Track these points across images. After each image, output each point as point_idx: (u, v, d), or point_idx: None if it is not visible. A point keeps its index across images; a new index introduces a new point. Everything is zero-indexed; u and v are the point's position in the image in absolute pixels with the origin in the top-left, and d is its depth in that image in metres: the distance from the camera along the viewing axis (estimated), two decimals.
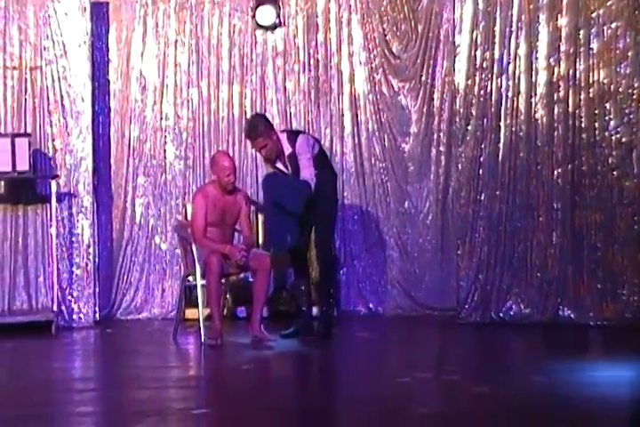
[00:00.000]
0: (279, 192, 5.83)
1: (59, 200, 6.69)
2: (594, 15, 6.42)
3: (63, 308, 6.69)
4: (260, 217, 6.62)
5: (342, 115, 7.15)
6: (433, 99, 7.04)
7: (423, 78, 7.06)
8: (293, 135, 6.03)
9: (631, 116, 6.36)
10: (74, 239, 6.78)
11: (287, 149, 5.99)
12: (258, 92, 7.20)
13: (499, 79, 6.55)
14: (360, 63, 7.14)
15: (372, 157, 7.12)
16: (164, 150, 7.18)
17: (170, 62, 7.19)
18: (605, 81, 6.40)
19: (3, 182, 6.74)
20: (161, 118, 7.17)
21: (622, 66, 6.38)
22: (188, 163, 7.19)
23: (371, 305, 7.01)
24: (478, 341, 6.14)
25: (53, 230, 6.66)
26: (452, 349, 5.95)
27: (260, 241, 6.47)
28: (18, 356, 5.91)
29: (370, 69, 7.12)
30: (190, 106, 7.19)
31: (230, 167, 5.99)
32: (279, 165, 6.07)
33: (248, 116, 7.10)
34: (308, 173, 5.91)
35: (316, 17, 7.18)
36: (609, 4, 6.40)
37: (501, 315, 6.45)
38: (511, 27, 6.54)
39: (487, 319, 6.44)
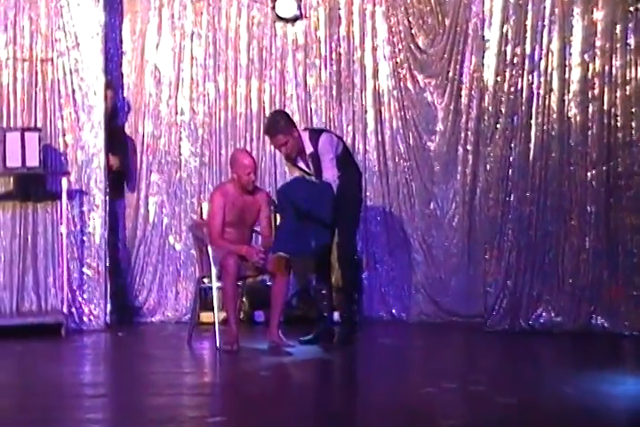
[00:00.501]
0: (300, 198, 5.83)
1: (69, 198, 6.73)
2: (631, 9, 6.40)
3: (73, 310, 6.72)
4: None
5: (365, 111, 7.17)
6: (460, 96, 7.05)
7: (450, 74, 7.06)
8: (315, 134, 6.04)
9: None
10: (85, 238, 6.81)
11: (308, 149, 6.00)
12: (277, 88, 7.22)
13: (530, 76, 6.54)
14: (384, 58, 7.16)
15: (396, 155, 7.14)
16: (179, 147, 7.22)
17: (186, 55, 7.23)
18: None
19: (12, 179, 6.78)
20: (176, 113, 7.21)
21: None
22: (203, 160, 7.23)
23: (394, 311, 7.03)
24: (506, 350, 6.13)
25: (64, 229, 6.70)
26: (479, 358, 5.95)
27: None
28: (26, 359, 5.94)
29: (394, 64, 7.14)
30: (207, 101, 7.23)
31: (251, 165, 6.01)
32: (301, 164, 6.09)
33: (266, 111, 7.16)
34: (330, 174, 5.93)
35: (339, 9, 7.20)
36: None
37: (531, 323, 6.45)
38: (543, 20, 6.53)
39: (516, 327, 6.43)
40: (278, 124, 5.97)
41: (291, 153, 6.07)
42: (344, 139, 6.97)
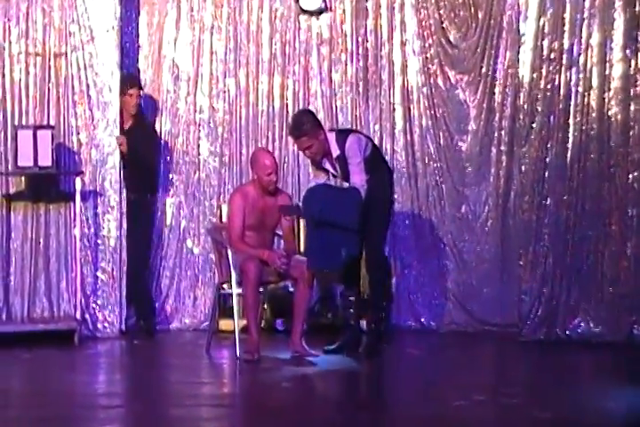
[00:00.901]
0: (326, 207, 5.81)
1: (83, 199, 6.74)
2: None
3: (87, 316, 6.72)
4: (302, 227, 6.65)
5: (393, 109, 7.15)
6: (494, 93, 7.01)
7: (483, 70, 7.03)
8: (342, 135, 6.02)
9: None
10: (99, 241, 6.82)
11: (335, 151, 5.98)
12: (301, 84, 7.21)
13: (568, 72, 6.51)
14: (413, 53, 7.13)
15: (425, 156, 7.11)
16: (198, 146, 7.21)
17: (205, 50, 7.22)
18: None
19: (24, 178, 6.80)
20: (195, 111, 7.21)
21: None
22: (223, 160, 7.22)
23: (423, 319, 7.00)
24: (541, 361, 6.09)
25: (77, 231, 6.70)
26: (512, 369, 5.92)
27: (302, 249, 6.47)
28: (37, 367, 5.95)
29: (424, 60, 7.11)
30: (227, 98, 7.22)
31: (272, 166, 6.00)
32: (327, 166, 6.07)
33: (290, 109, 7.15)
34: (358, 179, 5.91)
35: (366, 1, 7.18)
36: None
37: (568, 333, 6.41)
38: (583, 13, 6.49)
39: (552, 337, 6.40)
40: (303, 126, 5.95)
41: (315, 156, 6.05)
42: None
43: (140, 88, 6.90)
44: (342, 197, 5.85)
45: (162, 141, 7.13)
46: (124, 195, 6.84)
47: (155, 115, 7.18)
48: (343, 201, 5.83)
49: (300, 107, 7.16)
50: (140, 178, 6.87)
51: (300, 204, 6.03)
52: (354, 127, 7.11)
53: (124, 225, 6.90)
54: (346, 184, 6.01)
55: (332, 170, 6.07)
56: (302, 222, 6.62)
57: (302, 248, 6.55)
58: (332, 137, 6.01)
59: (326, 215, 5.80)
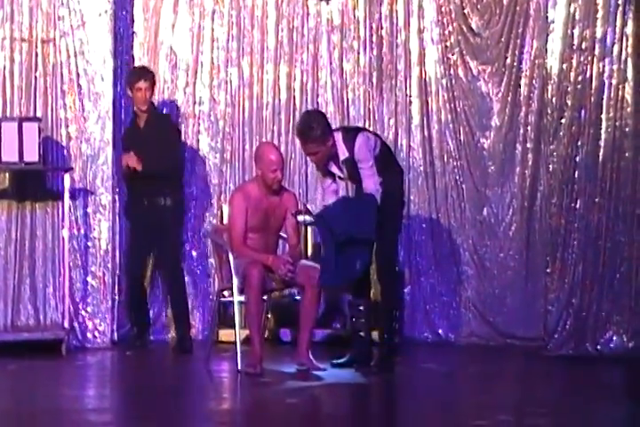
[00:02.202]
0: (345, 221, 5.84)
1: (72, 197, 6.75)
2: None
3: (75, 324, 6.74)
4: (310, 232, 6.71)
5: (410, 102, 7.17)
6: (519, 85, 7.02)
7: (508, 61, 7.04)
8: (350, 135, 6.04)
9: None
10: (89, 244, 6.84)
11: (343, 154, 6.01)
12: (309, 74, 7.24)
13: (601, 63, 6.52)
14: (432, 41, 7.15)
15: (444, 153, 7.12)
16: (198, 141, 7.24)
17: (206, 36, 7.25)
18: None
19: (8, 175, 6.82)
20: (194, 103, 7.24)
21: None
22: (225, 156, 7.25)
23: (440, 331, 7.02)
24: (570, 378, 6.11)
25: (65, 233, 6.72)
26: (538, 387, 5.91)
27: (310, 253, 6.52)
28: (22, 380, 5.96)
29: (444, 49, 7.13)
30: (229, 89, 7.25)
31: (278, 162, 6.03)
32: (333, 169, 6.10)
33: (297, 101, 7.18)
34: (372, 183, 5.96)
35: None
36: None
37: (599, 347, 6.43)
38: None
39: (581, 352, 6.41)
40: (313, 132, 5.96)
41: (319, 163, 6.09)
42: (385, 134, 7.03)
43: (152, 81, 6.81)
44: (358, 209, 5.91)
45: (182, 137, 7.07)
46: (143, 201, 6.74)
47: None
48: (360, 213, 5.89)
49: (309, 99, 7.22)
50: (165, 183, 6.74)
51: (314, 220, 6.05)
52: (366, 121, 7.16)
53: (117, 226, 6.95)
54: (334, 186, 6.06)
55: (338, 172, 6.10)
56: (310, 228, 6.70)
57: (309, 251, 6.60)
58: (338, 137, 6.03)
59: (346, 232, 5.84)
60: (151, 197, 6.74)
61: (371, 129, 6.84)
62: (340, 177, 6.13)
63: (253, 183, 6.17)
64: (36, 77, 6.87)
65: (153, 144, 6.69)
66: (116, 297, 6.93)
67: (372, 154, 6.01)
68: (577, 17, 6.56)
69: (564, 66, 6.58)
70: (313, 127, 5.96)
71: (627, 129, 6.51)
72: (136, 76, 6.77)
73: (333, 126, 6.25)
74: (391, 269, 6.14)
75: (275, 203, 6.12)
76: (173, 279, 6.83)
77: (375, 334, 6.23)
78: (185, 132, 7.18)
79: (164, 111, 7.16)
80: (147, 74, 6.81)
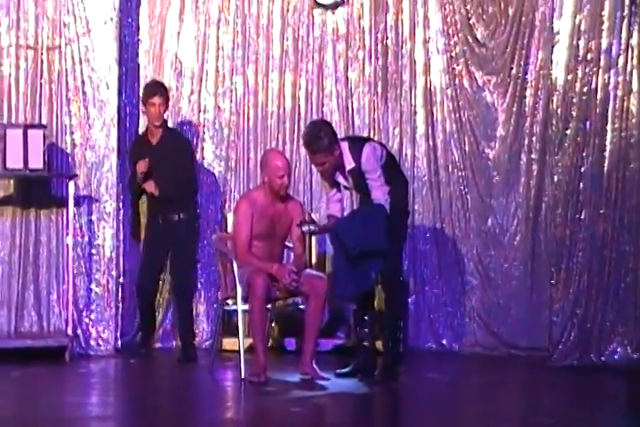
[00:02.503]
0: (353, 236, 5.85)
1: (77, 204, 6.76)
2: None
3: (79, 332, 6.74)
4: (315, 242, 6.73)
5: (415, 112, 7.17)
6: (525, 96, 7.02)
7: (513, 71, 7.05)
8: (357, 145, 6.03)
9: None
10: (94, 251, 6.84)
11: (349, 164, 6.01)
12: (314, 83, 7.24)
13: (606, 74, 6.53)
14: (437, 51, 7.16)
15: (449, 163, 7.12)
16: (202, 149, 7.24)
17: (211, 45, 7.26)
18: None
19: (12, 182, 6.83)
20: (199, 111, 7.24)
21: None
22: (229, 164, 7.25)
23: (444, 341, 7.01)
24: (574, 389, 6.09)
25: (70, 240, 6.72)
26: (543, 397, 5.88)
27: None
28: (25, 387, 5.95)
29: (449, 59, 7.14)
30: (234, 97, 7.25)
31: (284, 168, 6.03)
32: (340, 179, 6.10)
33: (301, 110, 7.19)
34: (380, 193, 5.95)
35: None
36: None
37: (603, 359, 6.42)
38: (622, 10, 6.52)
39: (586, 363, 6.40)
40: (320, 142, 5.95)
41: (325, 173, 6.09)
42: (389, 143, 7.04)
43: (166, 96, 6.77)
44: (369, 222, 5.89)
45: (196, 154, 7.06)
46: (158, 218, 6.72)
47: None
48: (371, 226, 5.87)
49: (313, 108, 7.23)
50: (179, 201, 6.72)
51: (318, 230, 6.06)
52: (371, 131, 7.16)
53: (121, 234, 6.94)
54: (338, 196, 6.07)
55: (343, 182, 6.09)
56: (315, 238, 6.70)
57: (314, 261, 6.58)
58: (345, 147, 6.02)
59: (358, 246, 5.84)
60: (166, 214, 6.72)
61: (375, 139, 6.85)
62: (345, 186, 6.13)
63: (259, 191, 6.16)
64: (41, 84, 6.88)
65: (167, 163, 6.66)
66: (120, 305, 6.92)
67: (379, 164, 6.00)
68: (582, 28, 6.56)
69: (570, 77, 6.59)
70: (320, 137, 5.96)
71: (632, 140, 6.51)
72: (150, 92, 6.74)
73: (339, 136, 6.25)
74: (396, 278, 6.13)
75: (280, 210, 6.11)
76: (182, 291, 6.81)
77: (379, 344, 6.22)
78: (190, 141, 7.13)
79: (168, 118, 7.14)
80: (161, 89, 6.78)
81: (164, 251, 6.79)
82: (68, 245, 6.73)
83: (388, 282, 6.08)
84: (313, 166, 7.01)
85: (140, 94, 6.98)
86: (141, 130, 7.12)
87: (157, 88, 6.77)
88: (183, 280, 6.82)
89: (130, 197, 6.96)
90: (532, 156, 7.00)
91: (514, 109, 7.04)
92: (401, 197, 6.12)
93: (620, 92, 6.52)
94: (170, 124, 7.01)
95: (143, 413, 5.37)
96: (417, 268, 7.06)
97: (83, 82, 6.88)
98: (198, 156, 7.22)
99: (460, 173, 7.11)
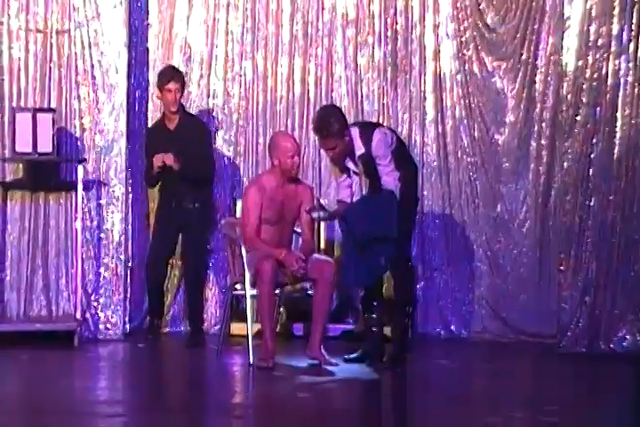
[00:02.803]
0: (366, 221, 5.82)
1: (86, 188, 6.74)
2: None
3: (88, 316, 6.74)
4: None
5: (424, 98, 7.14)
6: (535, 82, 6.99)
7: (523, 57, 7.01)
8: (367, 130, 6.00)
9: None
10: (102, 235, 6.83)
11: (359, 149, 5.97)
12: (323, 68, 7.21)
13: (617, 60, 6.48)
14: (447, 36, 7.11)
15: (458, 149, 7.09)
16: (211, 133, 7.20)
17: (220, 29, 7.22)
18: None
19: (21, 165, 6.82)
20: (208, 96, 7.21)
21: None
22: (238, 149, 7.22)
23: (453, 327, 7.00)
24: (583, 376, 6.08)
25: (79, 224, 6.71)
26: (551, 384, 5.88)
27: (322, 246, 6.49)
28: (33, 371, 5.96)
29: (459, 44, 7.10)
30: (243, 82, 7.22)
31: (294, 148, 6.03)
32: (350, 165, 6.06)
33: (311, 95, 7.16)
34: (391, 179, 5.92)
35: None
36: None
37: (612, 346, 6.40)
38: None
39: (594, 350, 6.39)
40: (331, 127, 5.91)
41: (337, 157, 6.06)
42: (399, 129, 7.00)
43: (182, 82, 6.73)
44: (379, 208, 5.86)
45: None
46: (171, 203, 6.67)
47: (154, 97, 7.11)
48: (381, 212, 5.84)
49: (323, 93, 7.19)
50: (195, 186, 6.68)
51: (327, 216, 6.04)
52: (380, 116, 7.13)
53: (130, 218, 6.93)
54: (347, 181, 6.02)
55: (353, 167, 6.06)
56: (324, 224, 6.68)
57: (322, 246, 6.55)
58: (355, 132, 5.99)
59: (367, 233, 5.81)
60: (180, 200, 6.68)
61: (385, 124, 6.81)
62: (354, 172, 6.10)
63: (269, 176, 6.14)
64: (50, 68, 6.86)
65: (188, 147, 6.61)
66: (128, 289, 6.92)
67: (389, 150, 5.97)
68: (593, 14, 6.51)
69: (580, 63, 6.54)
70: (331, 122, 5.93)
71: None
72: (166, 77, 6.68)
73: (349, 121, 6.21)
74: (405, 264, 6.09)
75: (290, 195, 6.09)
76: (193, 276, 6.80)
77: (389, 330, 6.20)
78: None
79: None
80: (177, 74, 6.73)
81: (175, 235, 6.77)
82: (76, 229, 6.71)
83: (397, 268, 6.06)
84: (322, 152, 7.01)
85: (150, 79, 6.95)
86: (150, 114, 7.11)
87: (173, 73, 6.72)
88: (194, 266, 6.81)
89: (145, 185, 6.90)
90: (542, 142, 6.97)
91: (524, 95, 7.00)
92: (410, 183, 6.09)
93: (630, 79, 6.48)
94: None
95: (151, 397, 5.38)
96: (426, 254, 7.04)
97: (92, 66, 6.86)
98: None
99: (469, 160, 7.07)
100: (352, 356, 6.08)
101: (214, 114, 7.21)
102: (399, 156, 6.05)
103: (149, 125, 7.02)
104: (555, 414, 4.94)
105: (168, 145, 6.63)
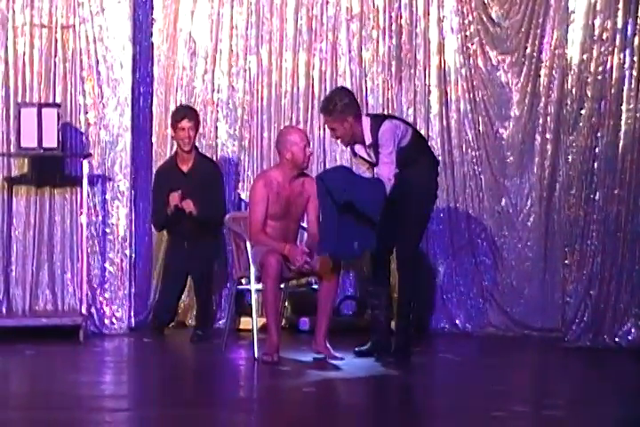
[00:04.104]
0: (341, 188, 5.72)
1: (91, 183, 6.73)
2: None
3: (93, 311, 6.73)
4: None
5: (429, 92, 7.10)
6: (539, 76, 6.96)
7: (528, 51, 6.98)
8: (377, 121, 5.95)
9: None
10: (107, 230, 6.82)
11: (368, 140, 5.91)
12: (328, 62, 7.17)
13: (621, 54, 6.44)
14: (451, 30, 7.08)
15: (462, 143, 7.06)
16: (216, 128, 7.18)
17: (225, 24, 7.19)
18: None
19: (27, 160, 6.81)
20: (212, 90, 7.18)
21: None
22: (243, 144, 7.19)
23: (457, 321, 6.97)
24: (588, 369, 6.06)
25: (84, 219, 6.69)
26: (556, 378, 5.87)
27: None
28: (38, 365, 5.94)
29: (463, 38, 7.06)
30: (247, 76, 7.19)
31: (304, 139, 6.01)
32: (361, 152, 5.99)
33: (315, 89, 7.15)
34: (386, 171, 5.82)
35: None
36: None
37: (617, 340, 6.37)
38: None
39: (599, 344, 6.36)
40: (330, 106, 5.88)
41: (342, 140, 5.99)
42: None
43: (197, 120, 6.61)
44: (366, 187, 5.78)
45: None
46: (183, 243, 6.60)
47: (169, 94, 7.15)
48: (362, 189, 5.74)
49: (327, 87, 7.15)
50: (208, 227, 6.59)
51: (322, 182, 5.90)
52: (385, 110, 7.09)
53: (134, 213, 6.90)
54: (367, 174, 5.95)
55: (366, 157, 6.01)
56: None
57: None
58: (366, 123, 5.94)
59: (346, 195, 5.69)
60: (192, 240, 6.59)
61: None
62: (370, 163, 6.00)
63: (276, 171, 6.10)
64: (55, 63, 6.84)
65: (202, 191, 6.51)
66: (133, 283, 6.90)
67: (394, 142, 5.88)
68: (598, 7, 6.47)
69: (585, 56, 6.50)
70: (335, 101, 5.89)
71: None
72: (180, 115, 6.58)
73: None
74: (410, 261, 6.02)
75: (297, 190, 6.05)
76: (202, 274, 6.69)
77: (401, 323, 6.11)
78: (203, 120, 7.08)
79: (182, 97, 7.09)
80: (191, 112, 6.62)
81: (186, 277, 6.70)
82: (81, 224, 6.70)
83: (402, 264, 6.00)
84: (327, 145, 7.05)
85: (155, 74, 6.89)
86: (155, 109, 7.08)
87: (186, 111, 6.61)
88: (204, 265, 6.69)
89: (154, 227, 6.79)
90: (547, 136, 6.94)
91: (528, 89, 6.98)
92: (427, 178, 6.00)
93: (635, 72, 6.44)
94: (183, 102, 6.96)
95: (157, 392, 5.37)
96: (430, 248, 7.00)
97: (97, 61, 6.84)
98: (212, 135, 7.15)
99: (473, 153, 7.05)
100: (362, 348, 6.05)
101: (219, 108, 7.17)
102: (414, 150, 5.94)
103: (159, 166, 6.83)
104: (559, 409, 4.92)
105: (181, 188, 6.51)
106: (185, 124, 6.58)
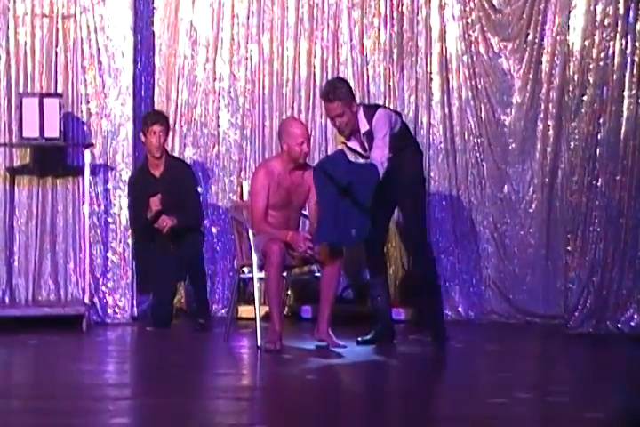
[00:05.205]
0: (340, 175, 5.69)
1: (93, 173, 6.72)
2: None
3: (96, 300, 6.73)
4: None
5: (430, 80, 7.08)
6: (541, 62, 6.94)
7: (529, 37, 6.95)
8: (370, 110, 5.91)
9: None
10: (110, 220, 6.81)
11: (364, 127, 5.86)
12: (329, 51, 7.15)
13: (623, 40, 6.39)
14: (453, 17, 7.05)
15: (464, 131, 7.04)
16: (218, 117, 7.16)
17: (226, 13, 7.16)
18: None
19: (29, 150, 6.80)
20: (214, 79, 7.15)
21: None
22: (244, 133, 7.17)
23: (460, 309, 6.97)
24: (590, 355, 6.03)
25: (86, 208, 6.69)
26: (559, 364, 5.85)
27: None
28: (42, 355, 5.94)
29: (465, 25, 7.03)
30: (249, 65, 7.17)
31: (304, 135, 5.93)
32: (354, 144, 5.95)
33: (317, 78, 7.13)
34: (379, 154, 5.77)
35: None
36: None
37: (619, 326, 6.34)
38: None
39: (601, 330, 6.34)
40: (337, 90, 5.82)
41: (344, 128, 5.93)
42: (405, 111, 6.97)
43: (166, 126, 6.59)
44: (358, 171, 5.74)
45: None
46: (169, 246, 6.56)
47: (170, 83, 7.12)
48: (358, 175, 5.71)
49: (329, 76, 7.13)
50: (188, 228, 6.57)
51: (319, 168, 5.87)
52: (387, 98, 7.09)
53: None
54: (361, 160, 5.91)
55: (359, 149, 5.96)
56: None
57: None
58: (360, 112, 5.88)
59: (347, 179, 5.65)
60: (176, 241, 6.56)
61: (391, 106, 6.76)
62: (361, 154, 5.98)
63: (277, 160, 6.06)
64: (56, 53, 6.83)
65: (177, 194, 6.50)
66: (136, 272, 6.88)
67: (388, 127, 5.84)
68: None
69: (587, 42, 6.45)
70: (339, 86, 5.83)
71: None
72: (150, 120, 6.57)
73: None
74: (425, 244, 6.00)
75: (297, 180, 6.01)
76: (195, 262, 6.66)
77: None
78: (205, 109, 7.09)
79: (184, 87, 7.05)
80: (161, 118, 6.60)
81: (178, 278, 6.69)
82: (84, 213, 6.69)
83: (420, 249, 5.95)
84: (329, 133, 7.00)
85: (156, 63, 6.87)
86: (156, 98, 7.06)
87: (157, 117, 6.61)
88: (195, 254, 6.66)
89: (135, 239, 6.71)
90: (549, 122, 6.92)
91: (530, 76, 6.96)
92: (417, 165, 6.00)
93: (637, 58, 6.39)
94: (185, 94, 6.96)
95: (159, 380, 5.33)
96: (432, 235, 6.96)
97: (98, 50, 6.82)
98: (214, 124, 7.13)
99: (475, 141, 7.03)
100: (365, 338, 6.02)
101: (220, 97, 7.15)
102: (402, 138, 5.92)
103: (131, 174, 6.75)
104: (562, 395, 4.88)
105: (155, 193, 6.50)
106: (156, 128, 6.56)
